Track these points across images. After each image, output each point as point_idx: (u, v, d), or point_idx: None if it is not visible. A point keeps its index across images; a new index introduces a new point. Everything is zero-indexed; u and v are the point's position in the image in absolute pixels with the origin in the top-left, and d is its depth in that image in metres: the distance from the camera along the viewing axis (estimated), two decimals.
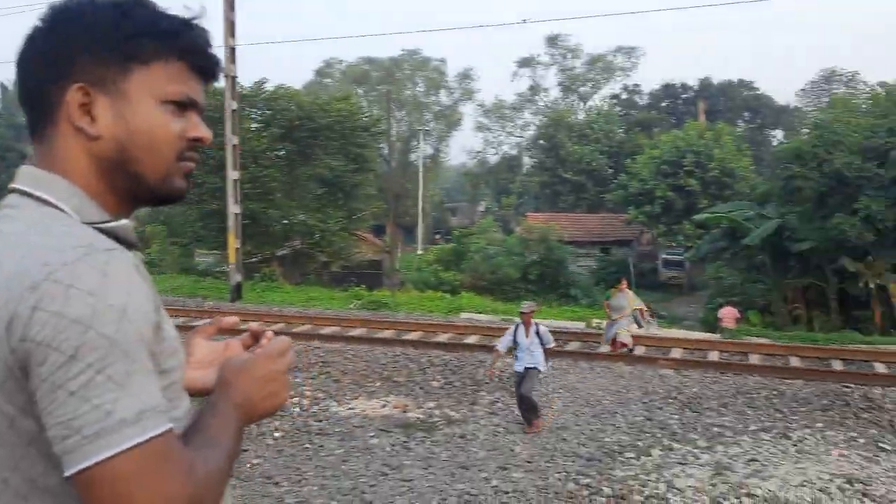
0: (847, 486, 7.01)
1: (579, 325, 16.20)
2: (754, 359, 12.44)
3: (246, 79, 25.44)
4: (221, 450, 1.02)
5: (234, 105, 20.04)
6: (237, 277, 19.36)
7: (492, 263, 28.71)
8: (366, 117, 30.26)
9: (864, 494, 6.83)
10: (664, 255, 40.86)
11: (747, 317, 21.89)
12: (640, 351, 12.97)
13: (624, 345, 12.48)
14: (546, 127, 50.18)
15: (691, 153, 33.73)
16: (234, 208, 19.70)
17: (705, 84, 54.31)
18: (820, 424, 9.06)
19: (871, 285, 19.99)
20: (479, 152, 64.27)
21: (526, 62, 57.36)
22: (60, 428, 0.87)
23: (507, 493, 6.79)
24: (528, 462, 7.62)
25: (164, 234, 29.12)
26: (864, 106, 24.52)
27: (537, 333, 8.95)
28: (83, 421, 0.87)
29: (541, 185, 51.96)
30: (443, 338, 13.65)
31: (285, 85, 28.55)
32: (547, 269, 29.42)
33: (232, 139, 19.70)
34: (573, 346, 13.33)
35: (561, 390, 10.41)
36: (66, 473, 0.88)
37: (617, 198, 37.77)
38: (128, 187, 1.09)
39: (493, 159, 66.18)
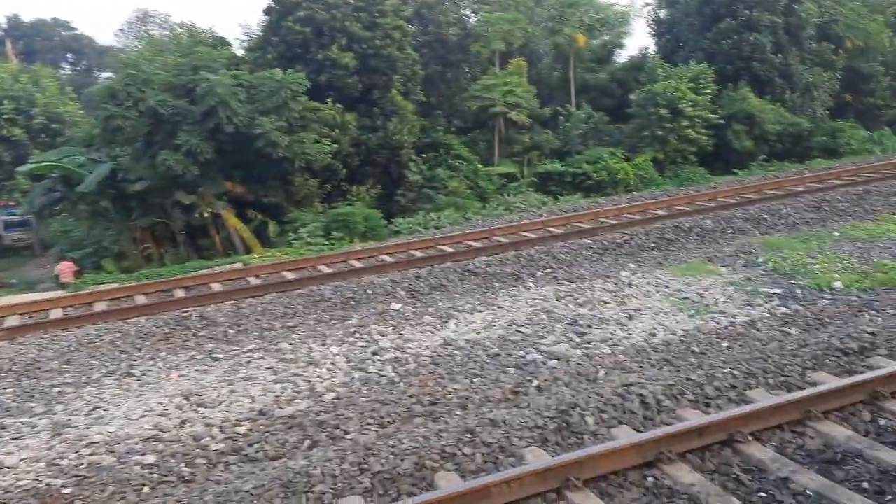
0: (184, 401, 7.52)
1: None
2: (100, 306, 12.14)
3: None
4: None
5: None
6: None
7: None
8: None
9: (200, 404, 7.45)
10: (3, 217, 36.27)
11: (102, 265, 21.36)
12: None
13: None
14: None
15: (9, 99, 30.17)
16: None
17: (15, 22, 48.85)
18: (163, 353, 9.45)
19: (206, 214, 21.85)
20: None
21: None
22: None
23: None
24: None
25: None
26: (171, 45, 25.86)
27: None
28: None
29: None
30: None
31: None
32: None
33: None
34: None
35: None
36: None
37: None
38: None
39: None
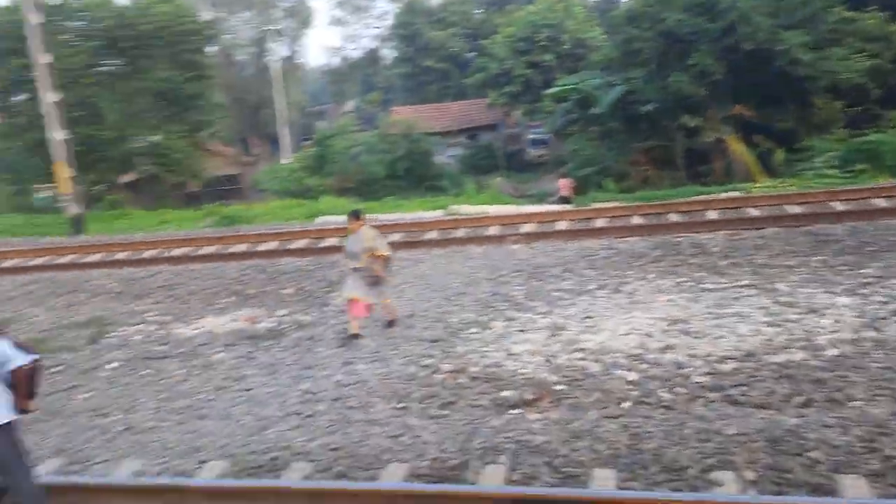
0: (669, 326, 7.49)
1: (437, 214, 16.24)
2: (599, 223, 12.95)
3: None
4: None
5: (39, 18, 17.85)
6: (75, 209, 17.91)
7: (357, 163, 28.11)
8: (194, 21, 27.81)
9: (684, 332, 7.33)
10: (530, 135, 41.59)
11: (603, 184, 22.83)
12: (493, 230, 13.19)
13: (365, 308, 8.23)
14: (402, 14, 48.38)
15: (545, 27, 33.71)
16: (58, 134, 17.95)
17: None
18: (652, 275, 9.57)
19: (710, 139, 21.14)
20: (338, 49, 61.70)
21: None
22: None
23: (348, 385, 6.79)
24: (375, 353, 7.62)
25: None
26: None
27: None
28: None
29: (404, 76, 50.82)
30: (299, 244, 13.30)
31: None
32: (414, 162, 29.16)
33: (43, 57, 17.68)
34: (430, 235, 13.36)
35: (413, 279, 10.43)
36: None
37: (477, 81, 37.54)
38: None
39: (354, 55, 63.93)
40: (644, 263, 10.07)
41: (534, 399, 6.13)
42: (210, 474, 5.19)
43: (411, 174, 28.79)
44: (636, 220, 12.83)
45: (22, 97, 24.55)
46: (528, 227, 13.06)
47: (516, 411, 5.94)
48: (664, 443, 5.07)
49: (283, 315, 9.51)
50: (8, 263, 14.11)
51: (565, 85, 23.79)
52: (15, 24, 22.04)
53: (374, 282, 8.25)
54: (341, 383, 6.86)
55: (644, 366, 6.57)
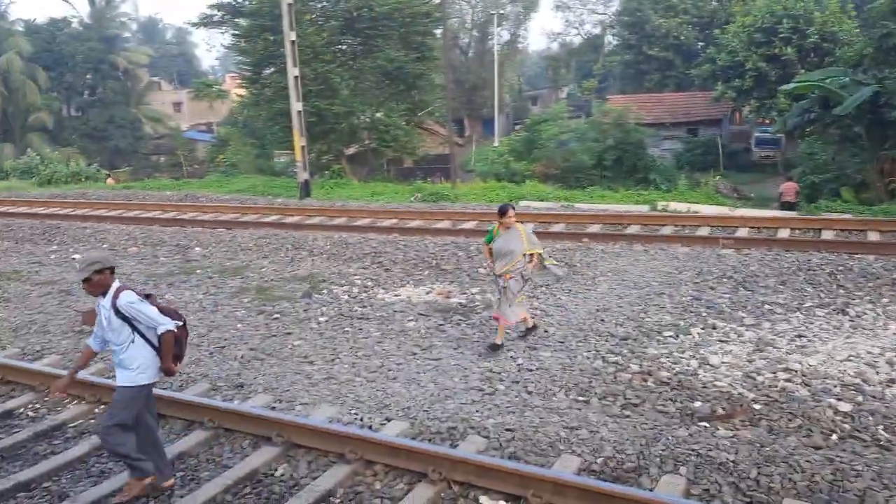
0: None
1: (643, 209, 15.64)
2: (827, 235, 11.70)
3: None
4: None
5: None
6: (304, 175, 19.70)
7: (565, 151, 27.85)
8: (427, 3, 29.06)
9: None
10: (757, 133, 38.44)
11: (840, 193, 20.50)
12: (703, 231, 12.44)
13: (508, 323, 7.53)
14: (629, 0, 46.79)
15: (788, 18, 30.77)
16: (296, 106, 19.79)
17: None
18: (886, 300, 8.48)
19: None
20: (559, 34, 61.40)
21: None
22: None
23: (530, 370, 6.81)
24: (560, 342, 7.57)
25: (237, 135, 29.80)
26: None
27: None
28: None
29: (624, 64, 49.28)
30: None
31: None
32: (624, 153, 28.24)
33: (290, 35, 19.53)
34: (632, 229, 12.93)
35: (609, 273, 10.18)
36: None
37: (704, 73, 35.32)
38: None
39: (575, 41, 63.20)
40: (877, 286, 8.94)
41: (727, 414, 5.72)
42: (391, 431, 5.50)
43: (620, 165, 27.91)
44: (873, 236, 11.45)
45: (270, 70, 27.40)
46: (743, 232, 12.16)
47: (705, 424, 5.59)
48: (873, 485, 4.49)
49: (475, 293, 9.75)
50: (247, 219, 15.93)
51: (806, 81, 21.51)
52: (271, 2, 24.58)
53: (521, 287, 7.46)
54: (523, 367, 6.90)
55: (860, 398, 5.86)
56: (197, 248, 13.35)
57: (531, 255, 7.45)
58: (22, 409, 6.54)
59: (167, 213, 17.26)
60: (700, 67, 36.04)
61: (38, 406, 6.60)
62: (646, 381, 6.41)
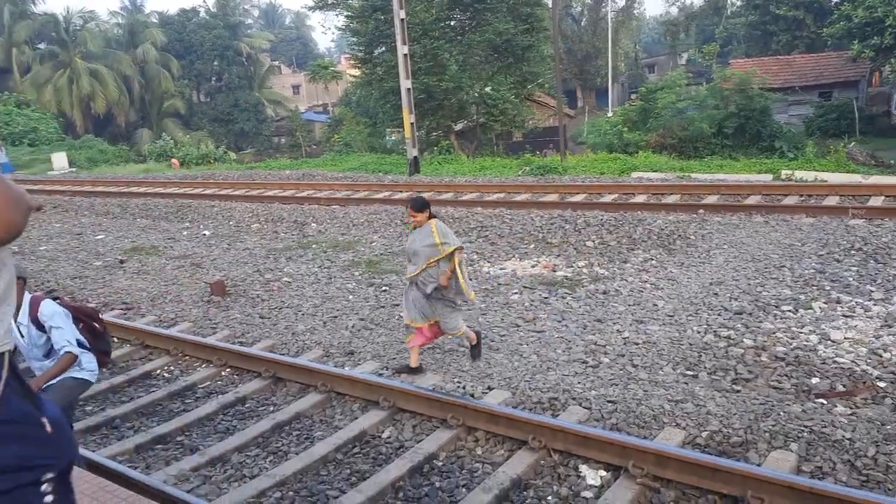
0: None
1: (766, 178, 14.79)
2: None
3: None
4: None
5: None
6: (413, 152, 20.04)
7: (683, 119, 26.68)
8: None
9: None
10: None
11: None
12: (831, 201, 11.65)
13: (427, 338, 6.48)
14: None
15: None
16: (405, 83, 20.10)
17: None
18: None
19: None
20: None
21: None
22: None
23: (636, 343, 6.70)
24: (669, 316, 7.38)
25: (351, 115, 30.63)
26: None
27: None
28: None
29: (749, 26, 46.39)
30: (607, 199, 13.26)
31: None
32: (747, 120, 26.68)
33: (400, 13, 19.81)
34: (752, 199, 12.29)
35: (725, 246, 9.76)
36: None
37: (838, 31, 32.65)
38: None
39: (695, 3, 60.10)
40: None
41: (847, 392, 5.41)
42: (493, 400, 5.60)
43: (742, 133, 26.40)
44: None
45: (381, 50, 27.93)
46: (877, 201, 11.28)
47: (822, 401, 5.31)
48: None
49: (582, 266, 9.65)
50: (359, 195, 16.45)
51: None
52: None
53: (440, 295, 6.14)
54: (630, 340, 6.79)
55: None
56: (313, 224, 13.96)
57: (445, 257, 6.03)
58: (158, 371, 7.17)
59: (286, 192, 18.10)
60: (834, 26, 33.33)
61: (172, 368, 7.22)
62: (759, 356, 6.15)
